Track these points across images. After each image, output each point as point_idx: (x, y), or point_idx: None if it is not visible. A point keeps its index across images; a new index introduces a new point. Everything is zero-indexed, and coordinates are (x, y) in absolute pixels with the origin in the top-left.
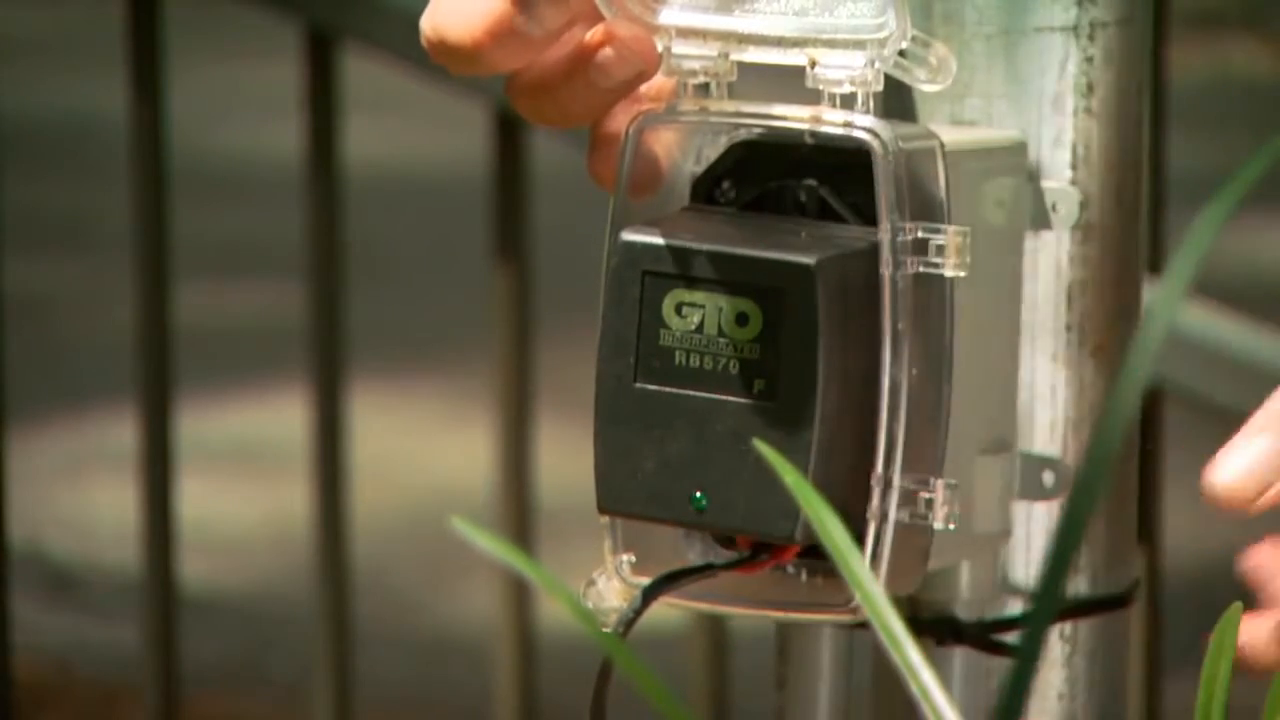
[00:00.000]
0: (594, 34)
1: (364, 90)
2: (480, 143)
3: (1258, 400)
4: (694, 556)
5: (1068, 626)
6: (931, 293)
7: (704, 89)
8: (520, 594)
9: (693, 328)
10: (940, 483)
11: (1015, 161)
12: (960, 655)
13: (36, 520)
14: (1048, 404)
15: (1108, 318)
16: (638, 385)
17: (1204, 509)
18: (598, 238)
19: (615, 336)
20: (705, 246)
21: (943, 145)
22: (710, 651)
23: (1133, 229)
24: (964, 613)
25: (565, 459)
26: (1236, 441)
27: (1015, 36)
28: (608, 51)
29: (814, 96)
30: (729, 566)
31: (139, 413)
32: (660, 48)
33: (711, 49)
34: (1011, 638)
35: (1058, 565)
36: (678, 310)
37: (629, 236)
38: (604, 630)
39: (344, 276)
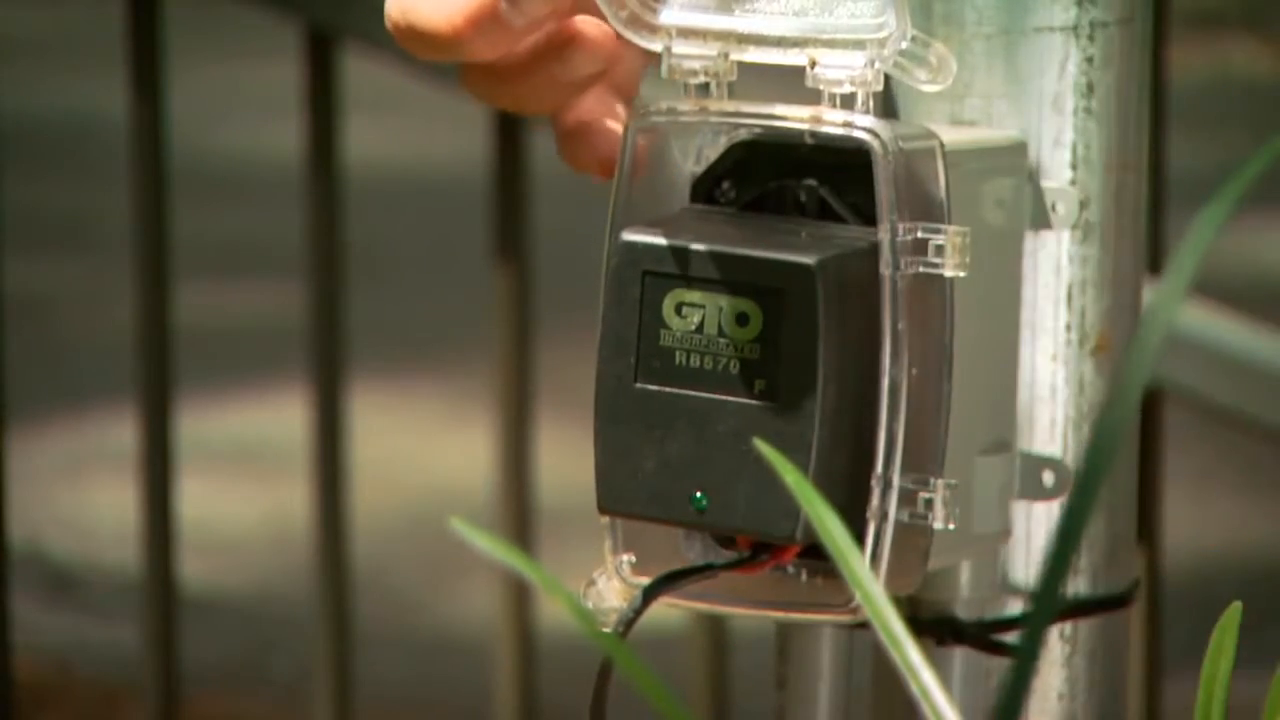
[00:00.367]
0: (562, 28)
1: (364, 90)
2: (480, 143)
3: (1258, 400)
4: (694, 556)
5: (1068, 626)
6: (931, 293)
7: (704, 89)
8: (520, 594)
9: (693, 328)
10: (940, 482)
11: (1015, 161)
12: (960, 655)
13: (36, 520)
14: (1048, 404)
15: (1108, 318)
16: (638, 385)
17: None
18: (598, 238)
19: (615, 336)
20: (705, 246)
21: (943, 145)
22: (710, 651)
23: (1133, 229)
24: (964, 613)
25: (565, 459)
26: None
27: (1015, 36)
28: (573, 47)
29: (814, 96)
30: (729, 567)
31: (139, 413)
32: (660, 48)
33: (711, 49)
34: (1011, 638)
35: (1058, 565)
36: (678, 310)
37: (629, 236)
38: (604, 630)
39: (344, 276)
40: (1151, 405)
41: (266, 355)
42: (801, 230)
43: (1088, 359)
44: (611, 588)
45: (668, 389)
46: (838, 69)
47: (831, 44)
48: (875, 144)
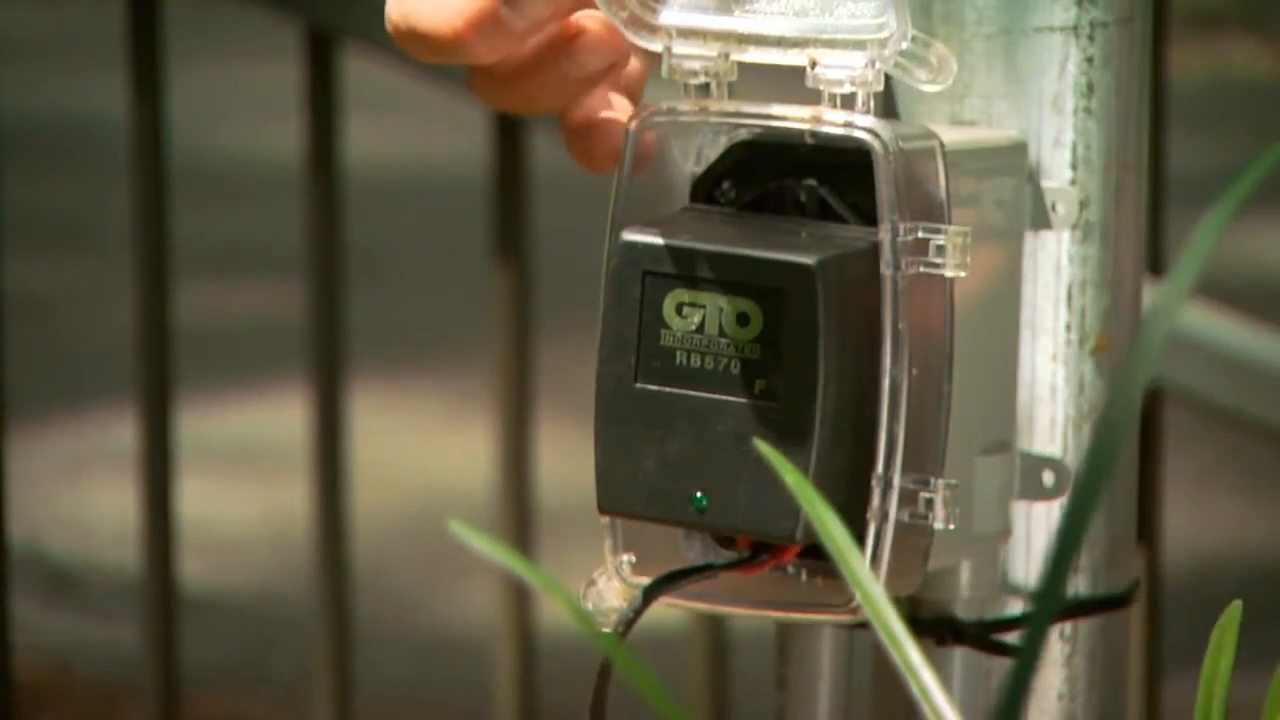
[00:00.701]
0: (567, 25)
1: (364, 90)
2: (480, 143)
3: (1258, 400)
4: (694, 557)
5: (1068, 626)
6: (932, 293)
7: (704, 89)
8: (520, 594)
9: (693, 328)
10: (941, 483)
11: (1015, 161)
12: (960, 655)
13: (36, 520)
14: (1048, 404)
15: (1108, 318)
16: (638, 385)
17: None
18: (598, 238)
19: (615, 337)
20: (705, 246)
21: (943, 145)
22: (710, 651)
23: (1133, 229)
24: (964, 613)
25: (565, 459)
26: None
27: (1015, 36)
28: (581, 43)
29: (814, 96)
30: (729, 567)
31: (139, 413)
32: (660, 48)
33: (711, 49)
34: (1011, 638)
35: (1058, 565)
36: (678, 310)
37: (629, 236)
38: (604, 630)
39: (344, 276)
40: (1151, 405)
41: (266, 355)
42: (801, 230)
43: (1088, 359)
44: (611, 588)
45: (668, 389)
46: (838, 69)
47: (832, 44)
48: (876, 144)
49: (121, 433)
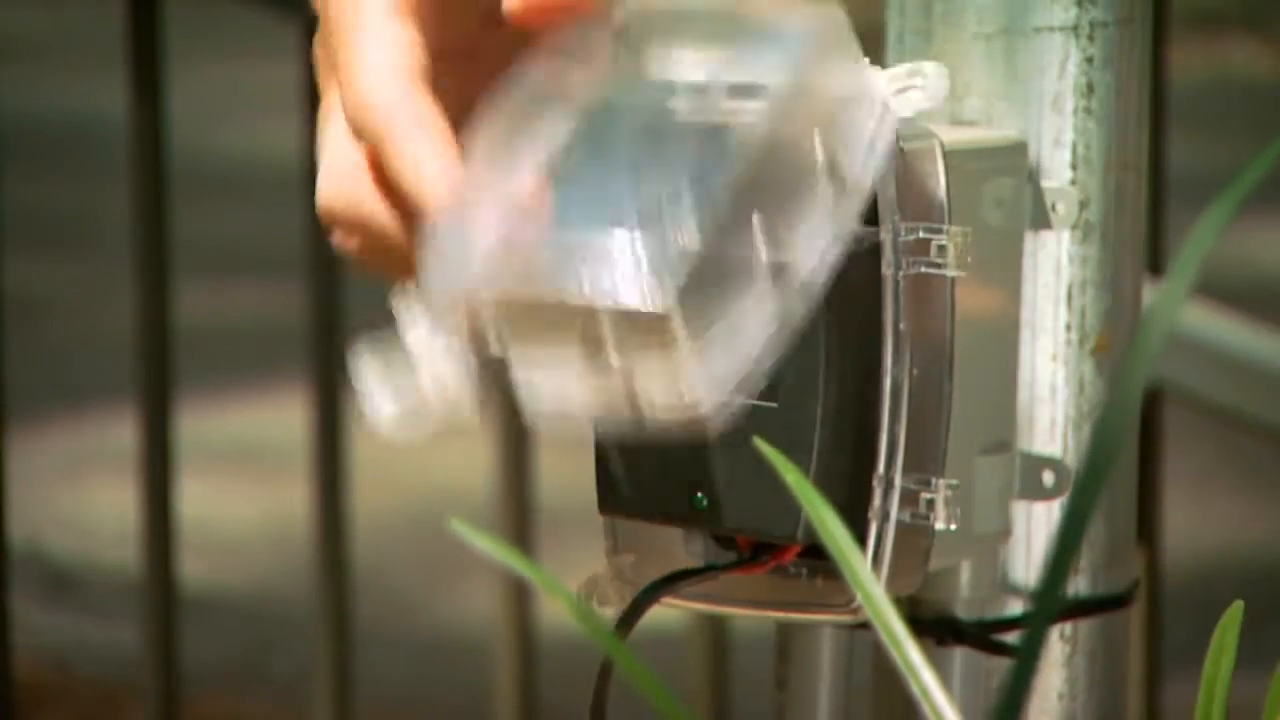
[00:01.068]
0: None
1: None
2: None
3: (1258, 400)
4: (694, 557)
5: (1068, 626)
6: (933, 293)
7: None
8: (520, 594)
9: None
10: (941, 483)
11: (1015, 161)
12: (960, 655)
13: (36, 520)
14: (1048, 404)
15: (1108, 318)
16: None
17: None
18: None
19: None
20: None
21: (943, 145)
22: (710, 651)
23: (1133, 229)
24: (964, 613)
25: (565, 459)
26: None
27: (1015, 37)
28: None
29: None
30: (730, 567)
31: (139, 413)
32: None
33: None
34: (1011, 638)
35: (1058, 565)
36: None
37: None
38: (604, 630)
39: (344, 276)
40: (1151, 405)
41: (266, 355)
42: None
43: (1088, 359)
44: (611, 588)
45: None
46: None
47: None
48: None
49: (121, 433)
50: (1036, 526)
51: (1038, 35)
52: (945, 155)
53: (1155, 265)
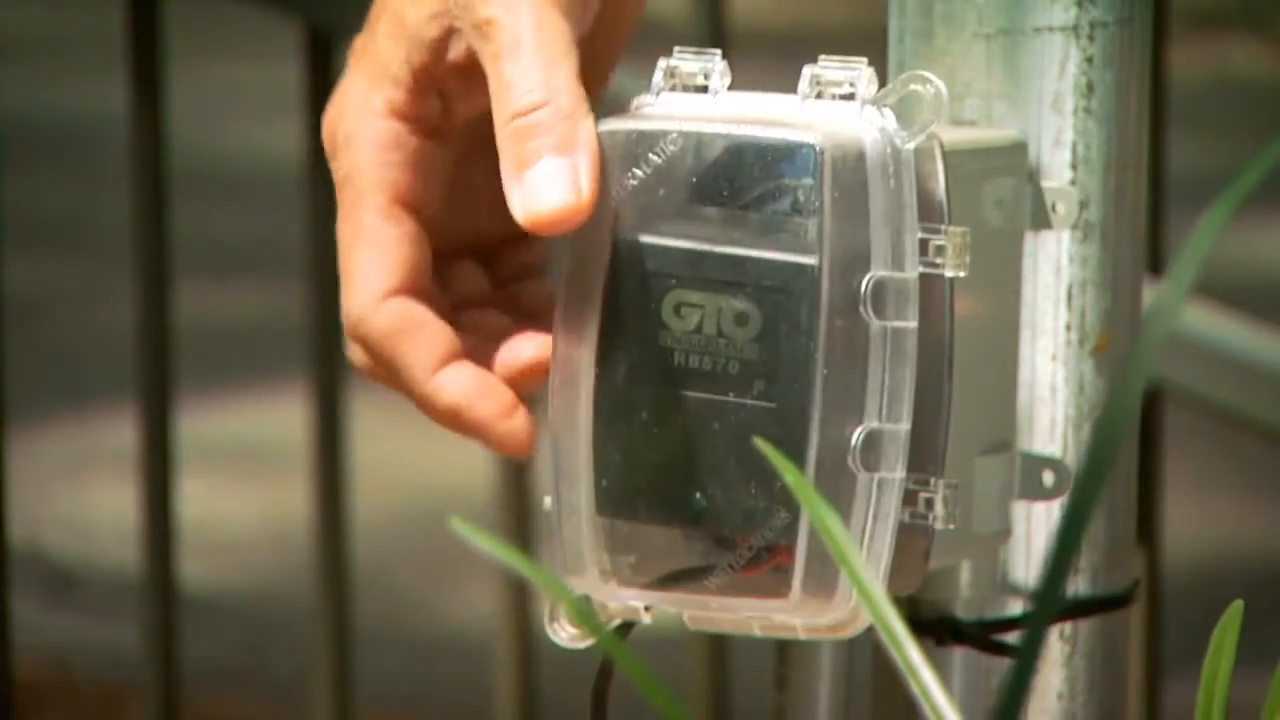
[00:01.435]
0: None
1: None
2: None
3: (1258, 400)
4: (694, 558)
5: (1068, 626)
6: (932, 293)
7: (702, 89)
8: (520, 594)
9: (692, 328)
10: (941, 483)
11: (1015, 161)
12: (960, 655)
13: (36, 520)
14: (1048, 404)
15: (1108, 318)
16: (637, 386)
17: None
18: None
19: (615, 337)
20: (705, 247)
21: (943, 145)
22: (710, 651)
23: (1133, 229)
24: (964, 613)
25: None
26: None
27: (1015, 36)
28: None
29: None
30: (730, 568)
31: (139, 413)
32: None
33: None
34: (1011, 638)
35: (1058, 565)
36: (677, 311)
37: (628, 237)
38: (604, 630)
39: None
40: (1151, 405)
41: (266, 355)
42: (801, 230)
43: (1088, 359)
44: (611, 590)
45: (667, 389)
46: (838, 70)
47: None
48: None
49: (121, 433)
50: (1036, 526)
51: (1038, 35)
52: (945, 155)
53: (1155, 265)
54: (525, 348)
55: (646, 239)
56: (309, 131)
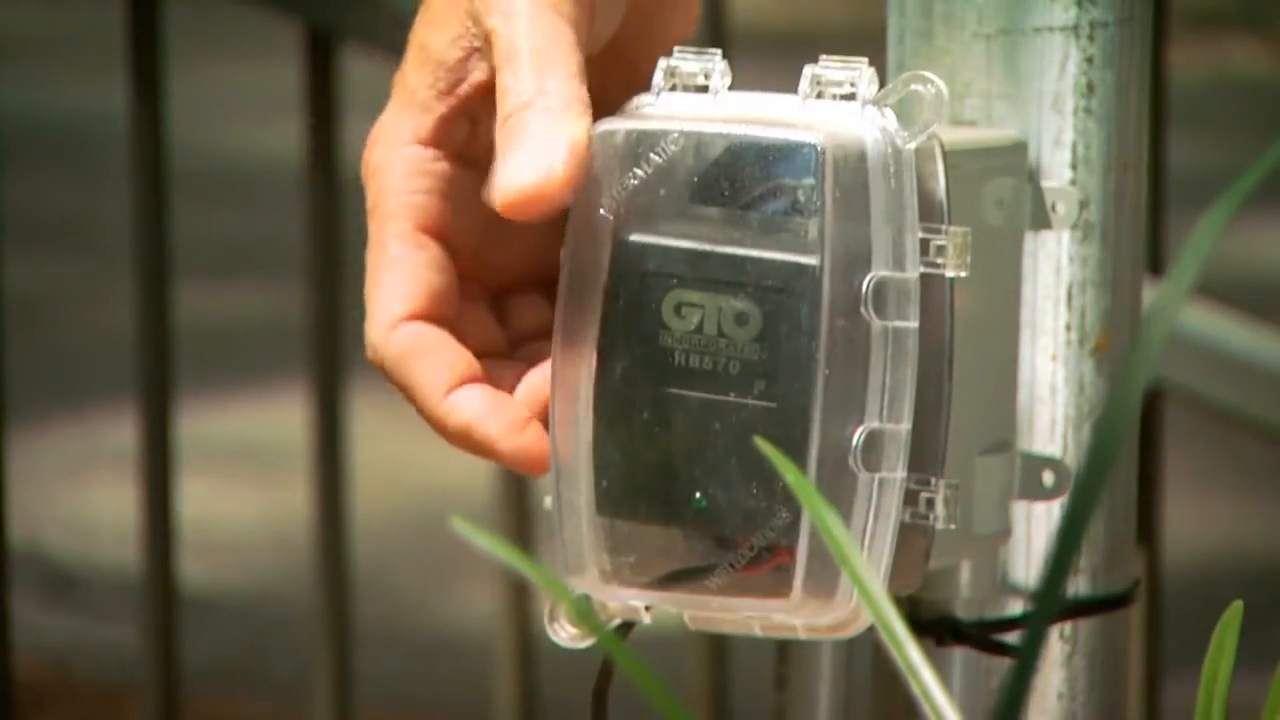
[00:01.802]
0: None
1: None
2: None
3: (1258, 400)
4: (694, 558)
5: (1068, 626)
6: (932, 293)
7: (703, 89)
8: (520, 594)
9: (692, 328)
10: (941, 483)
11: (1015, 161)
12: (960, 655)
13: (36, 520)
14: (1048, 404)
15: (1108, 318)
16: (637, 386)
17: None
18: None
19: (615, 337)
20: (705, 247)
21: (943, 145)
22: (710, 651)
23: (1133, 229)
24: (964, 613)
25: None
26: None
27: (1015, 37)
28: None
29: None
30: (730, 568)
31: (139, 413)
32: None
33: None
34: (1011, 638)
35: (1058, 565)
36: (677, 310)
37: (629, 237)
38: (604, 630)
39: (344, 276)
40: (1151, 405)
41: (266, 355)
42: (801, 230)
43: (1088, 359)
44: (611, 590)
45: (667, 389)
46: (838, 70)
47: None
48: None
49: (121, 433)
50: (1036, 526)
51: (1038, 35)
52: (945, 155)
53: (1155, 265)
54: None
55: (647, 239)
56: (309, 131)
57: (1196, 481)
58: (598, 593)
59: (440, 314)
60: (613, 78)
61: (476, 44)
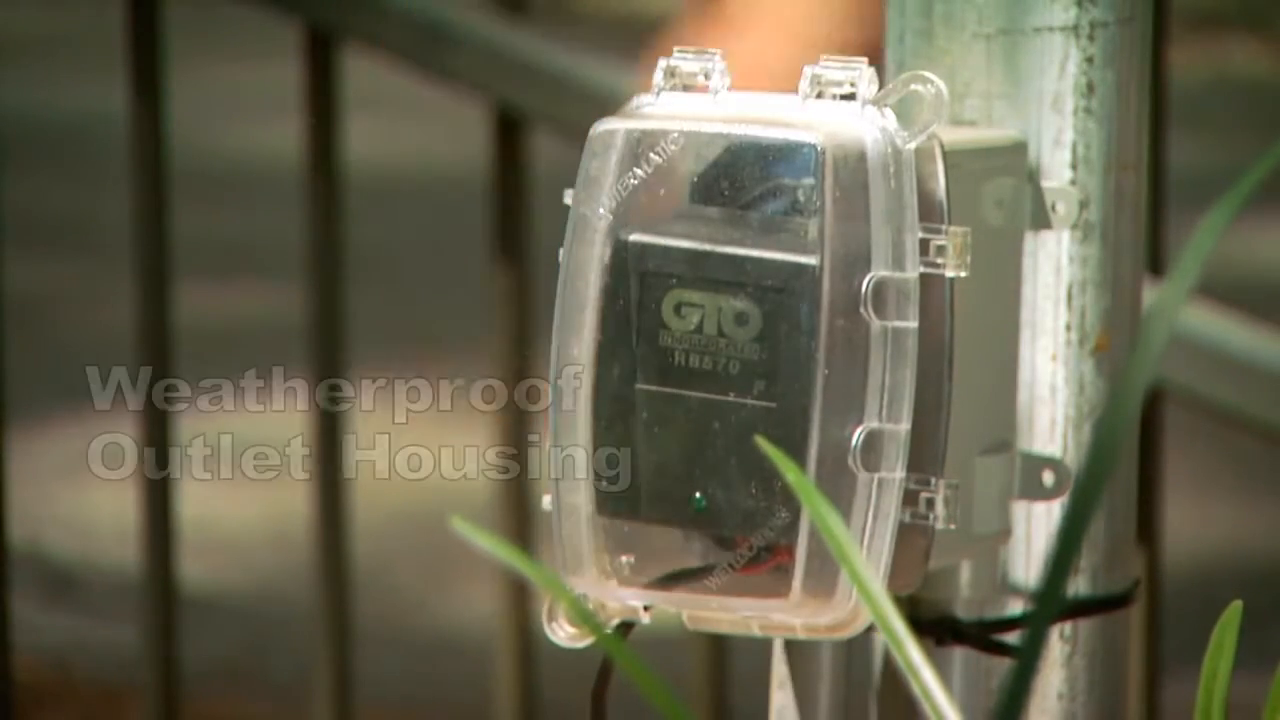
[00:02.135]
0: None
1: (364, 90)
2: (480, 143)
3: (1258, 400)
4: (694, 557)
5: (1068, 627)
6: (931, 293)
7: (703, 89)
8: (520, 594)
9: (692, 328)
10: (941, 483)
11: (1015, 161)
12: (960, 655)
13: (36, 520)
14: (1048, 404)
15: (1108, 318)
16: (637, 386)
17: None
18: None
19: (614, 337)
20: (705, 246)
21: (943, 145)
22: (710, 651)
23: (1133, 229)
24: (964, 613)
25: None
26: None
27: (1015, 37)
28: None
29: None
30: (730, 567)
31: (139, 413)
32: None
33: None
34: (1011, 638)
35: (1058, 565)
36: (677, 310)
37: (629, 237)
38: (604, 630)
39: (344, 276)
40: (1151, 405)
41: (266, 355)
42: (801, 230)
43: (1088, 359)
44: (611, 590)
45: (667, 389)
46: (839, 70)
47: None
48: None
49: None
50: (1036, 526)
51: (1038, 35)
52: (945, 155)
53: (1155, 265)
54: None
55: (647, 239)
56: (309, 131)
57: (1196, 481)
58: (598, 593)
59: None
60: None
61: None
